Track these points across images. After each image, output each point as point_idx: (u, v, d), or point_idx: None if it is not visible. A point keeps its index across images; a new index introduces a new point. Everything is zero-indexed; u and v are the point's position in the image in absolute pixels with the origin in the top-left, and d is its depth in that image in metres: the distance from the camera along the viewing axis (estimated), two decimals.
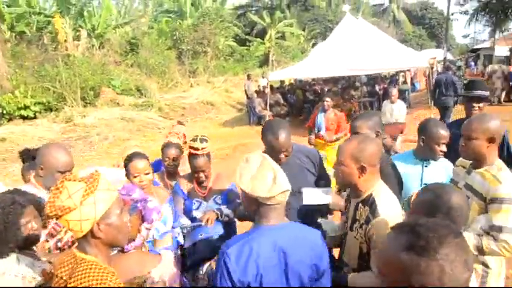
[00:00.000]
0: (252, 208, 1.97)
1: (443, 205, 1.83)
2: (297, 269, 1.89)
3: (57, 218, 1.61)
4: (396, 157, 3.31)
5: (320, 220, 2.85)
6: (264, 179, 1.89)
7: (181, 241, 3.35)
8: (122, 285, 1.66)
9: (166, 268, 2.32)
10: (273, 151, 2.95)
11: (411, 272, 1.11)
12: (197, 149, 3.47)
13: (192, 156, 3.49)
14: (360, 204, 2.27)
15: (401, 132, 5.55)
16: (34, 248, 2.26)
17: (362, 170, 2.21)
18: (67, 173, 2.80)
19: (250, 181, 1.92)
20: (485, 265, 2.57)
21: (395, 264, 1.15)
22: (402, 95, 17.38)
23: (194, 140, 3.51)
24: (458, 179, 2.74)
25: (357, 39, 12.57)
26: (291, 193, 3.13)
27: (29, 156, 3.43)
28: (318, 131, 7.45)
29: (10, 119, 13.80)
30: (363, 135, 2.51)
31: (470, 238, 2.36)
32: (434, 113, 12.07)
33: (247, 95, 17.80)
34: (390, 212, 2.14)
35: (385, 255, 1.22)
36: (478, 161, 2.57)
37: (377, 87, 17.67)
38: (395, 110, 8.53)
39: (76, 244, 1.73)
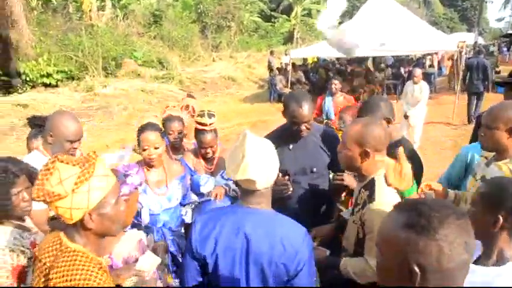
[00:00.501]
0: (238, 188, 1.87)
1: (508, 198, 1.64)
2: (259, 263, 1.73)
3: (45, 203, 1.48)
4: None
5: (342, 213, 2.72)
6: (234, 159, 1.78)
7: (188, 220, 3.28)
8: (108, 279, 1.53)
9: (123, 247, 2.23)
10: (295, 122, 2.86)
11: (409, 250, 1.09)
12: (205, 124, 3.38)
13: (200, 132, 3.41)
14: (362, 189, 2.21)
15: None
16: (26, 218, 2.20)
17: (366, 154, 2.12)
18: (75, 143, 2.78)
19: (227, 160, 1.84)
20: None
21: (393, 241, 1.13)
22: (427, 78, 16.89)
23: (201, 115, 3.42)
24: (478, 170, 2.54)
25: (385, 19, 12.13)
26: (302, 172, 3.06)
27: (36, 124, 3.39)
28: (327, 117, 6.70)
29: (33, 86, 13.90)
30: (369, 118, 2.38)
31: None
32: (459, 99, 11.67)
33: (270, 71, 17.56)
34: (387, 199, 2.02)
35: (384, 231, 1.19)
36: (498, 153, 2.37)
37: (402, 70, 17.21)
38: (416, 91, 8.28)
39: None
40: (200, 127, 3.39)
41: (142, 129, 2.97)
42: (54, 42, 15.93)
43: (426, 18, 35.99)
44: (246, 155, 1.72)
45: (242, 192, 1.84)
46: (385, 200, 2.01)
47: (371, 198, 2.08)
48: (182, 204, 3.26)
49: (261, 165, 1.74)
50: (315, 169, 2.98)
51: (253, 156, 1.73)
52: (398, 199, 2.05)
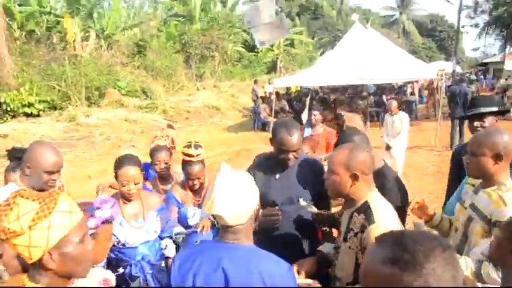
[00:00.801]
0: None
1: None
2: None
3: (2, 241, 1.38)
4: None
5: (320, 247, 2.65)
6: (208, 194, 1.76)
7: (169, 254, 3.18)
8: None
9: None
10: (283, 150, 2.81)
11: (393, 287, 1.01)
12: (191, 155, 3.35)
13: (187, 164, 3.37)
14: (354, 213, 2.15)
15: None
16: None
17: (355, 177, 2.10)
18: (54, 175, 2.66)
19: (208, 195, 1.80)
20: None
21: (375, 277, 1.06)
22: (409, 106, 17.27)
23: (188, 146, 3.38)
24: (466, 197, 2.52)
25: (366, 48, 12.49)
26: (289, 201, 3.01)
27: (16, 157, 3.28)
28: None
29: (14, 116, 13.72)
30: (354, 143, 2.40)
31: (468, 263, 2.16)
32: (441, 125, 11.89)
33: (255, 100, 17.68)
34: (387, 218, 2.02)
35: (367, 266, 1.11)
36: (485, 180, 2.36)
37: (384, 98, 17.54)
38: (395, 122, 8.36)
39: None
40: (187, 158, 3.35)
41: (120, 163, 2.88)
42: (37, 72, 15.83)
43: (406, 48, 36.98)
44: (214, 190, 1.70)
45: (221, 227, 1.80)
46: (386, 219, 2.00)
47: (370, 220, 2.03)
48: (160, 238, 3.17)
49: (229, 201, 1.69)
50: (301, 199, 2.93)
51: (222, 192, 1.69)
52: (396, 217, 2.04)
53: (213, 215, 1.76)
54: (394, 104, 8.64)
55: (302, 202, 2.84)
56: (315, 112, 6.31)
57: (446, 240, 1.20)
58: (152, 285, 2.99)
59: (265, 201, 2.67)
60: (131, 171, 2.86)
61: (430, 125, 14.32)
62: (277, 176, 2.96)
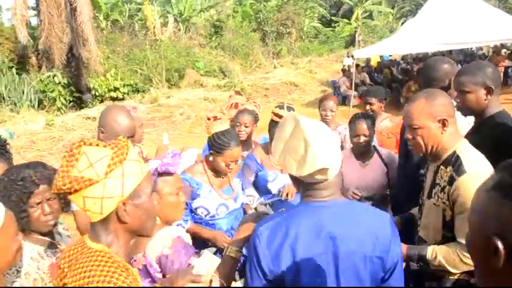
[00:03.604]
0: (296, 185, 1.54)
1: None
2: (352, 263, 1.40)
3: (69, 194, 1.21)
4: None
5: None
6: (294, 151, 1.43)
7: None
8: (136, 284, 1.24)
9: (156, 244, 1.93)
10: None
11: (492, 217, 0.81)
12: (282, 116, 3.09)
13: (275, 124, 3.09)
14: (441, 167, 1.99)
15: None
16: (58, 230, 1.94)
17: (444, 124, 1.93)
18: (128, 139, 2.58)
19: (281, 154, 1.48)
20: None
21: (478, 207, 0.86)
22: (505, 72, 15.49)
23: (280, 107, 3.20)
24: None
25: (451, 12, 11.25)
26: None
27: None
28: None
29: (102, 101, 14.50)
30: (424, 90, 2.15)
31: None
32: None
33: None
34: (479, 167, 1.78)
35: (473, 197, 0.90)
36: None
37: None
38: None
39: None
40: (276, 119, 3.11)
41: (226, 143, 2.67)
42: (121, 58, 16.70)
43: (501, 8, 33.57)
44: (310, 143, 1.38)
45: (307, 187, 1.49)
46: (478, 168, 1.80)
47: (459, 171, 1.85)
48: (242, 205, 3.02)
49: (330, 150, 1.44)
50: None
51: (319, 142, 1.40)
52: (490, 167, 1.77)
53: (296, 178, 1.47)
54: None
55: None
56: (373, 99, 4.14)
57: None
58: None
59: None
60: (238, 152, 2.76)
61: None
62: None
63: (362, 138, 3.07)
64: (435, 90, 2.08)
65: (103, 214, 1.23)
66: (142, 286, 1.27)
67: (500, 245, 0.78)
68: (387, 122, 4.09)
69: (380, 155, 3.21)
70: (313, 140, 1.40)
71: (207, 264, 1.84)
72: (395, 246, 1.47)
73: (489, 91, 2.26)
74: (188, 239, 2.14)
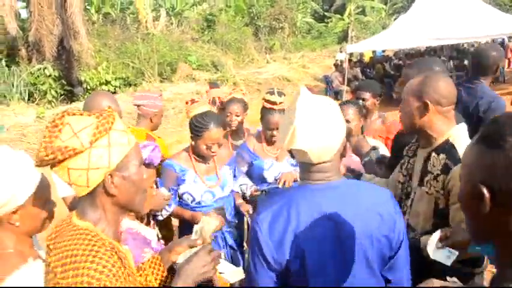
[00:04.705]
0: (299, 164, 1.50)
1: None
2: (359, 244, 1.37)
3: (53, 166, 1.15)
4: None
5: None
6: (283, 124, 1.42)
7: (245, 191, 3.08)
8: (120, 264, 1.19)
9: None
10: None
11: (477, 165, 0.89)
12: (274, 103, 3.06)
13: (267, 111, 3.09)
14: (433, 153, 1.94)
15: None
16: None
17: (425, 107, 1.87)
18: None
19: (281, 123, 1.50)
20: None
21: (466, 160, 0.95)
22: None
23: (271, 92, 3.13)
24: None
25: (443, 7, 11.30)
26: None
27: None
28: None
29: None
30: (434, 71, 2.14)
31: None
32: None
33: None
34: None
35: (463, 156, 1.01)
36: None
37: (466, 61, 16.00)
38: None
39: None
40: (268, 105, 3.08)
41: (205, 124, 2.61)
42: (112, 51, 16.55)
43: (492, 4, 33.76)
44: (295, 121, 1.33)
45: (304, 168, 1.45)
46: None
47: (455, 160, 1.80)
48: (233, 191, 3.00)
49: (314, 132, 1.34)
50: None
51: (305, 122, 1.33)
52: None
53: (290, 153, 1.43)
54: None
55: None
56: (366, 94, 3.56)
57: None
58: (230, 242, 2.85)
59: None
60: (218, 134, 2.67)
61: None
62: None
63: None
64: (441, 75, 2.00)
65: (89, 187, 1.18)
66: (123, 269, 1.20)
67: (485, 191, 0.85)
68: (379, 124, 3.59)
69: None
70: (300, 119, 1.34)
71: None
72: (400, 223, 1.44)
73: None
74: (147, 231, 2.09)
